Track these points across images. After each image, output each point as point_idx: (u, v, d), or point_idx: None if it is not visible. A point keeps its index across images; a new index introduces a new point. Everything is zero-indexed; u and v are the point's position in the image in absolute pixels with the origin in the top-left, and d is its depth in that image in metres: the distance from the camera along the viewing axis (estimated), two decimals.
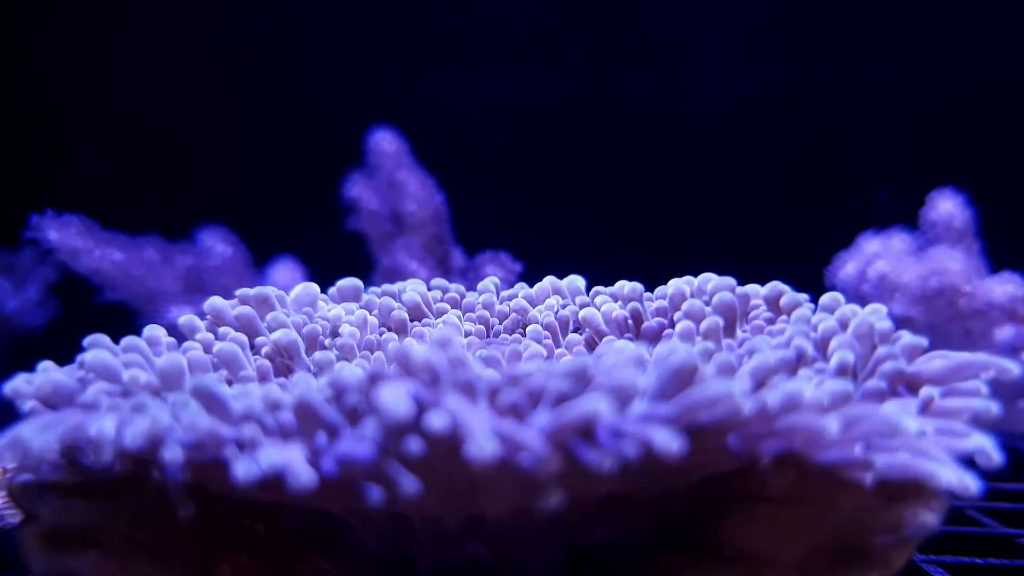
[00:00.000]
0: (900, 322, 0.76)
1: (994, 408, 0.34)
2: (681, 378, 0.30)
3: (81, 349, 0.39)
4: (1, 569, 0.45)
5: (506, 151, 1.33)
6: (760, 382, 0.35)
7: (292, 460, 0.29)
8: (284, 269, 0.99)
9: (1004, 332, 0.75)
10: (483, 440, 0.28)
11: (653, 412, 0.30)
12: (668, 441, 0.28)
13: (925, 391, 0.36)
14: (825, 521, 0.35)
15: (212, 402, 0.32)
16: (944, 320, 0.77)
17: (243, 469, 0.29)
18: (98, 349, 0.39)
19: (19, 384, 0.36)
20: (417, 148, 0.98)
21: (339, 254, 0.87)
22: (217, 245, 0.96)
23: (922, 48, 1.26)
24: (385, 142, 0.97)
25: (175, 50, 1.36)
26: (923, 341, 0.39)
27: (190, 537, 0.37)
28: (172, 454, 0.30)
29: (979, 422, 0.34)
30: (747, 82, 1.31)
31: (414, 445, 0.28)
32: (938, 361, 0.37)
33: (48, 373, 0.37)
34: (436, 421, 0.28)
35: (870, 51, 1.28)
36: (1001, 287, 0.76)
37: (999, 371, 0.36)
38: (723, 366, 0.36)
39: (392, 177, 0.96)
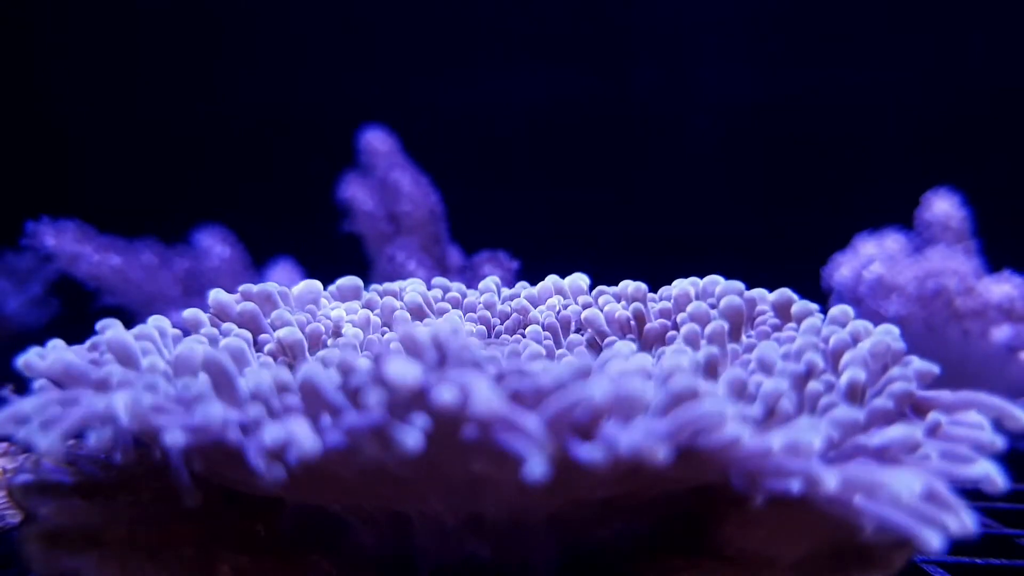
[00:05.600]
0: (897, 324, 0.76)
1: (999, 442, 0.34)
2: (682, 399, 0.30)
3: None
4: (1, 569, 0.44)
5: (505, 150, 1.33)
6: (771, 407, 0.35)
7: (296, 430, 0.29)
8: (282, 271, 0.99)
9: (1001, 332, 0.75)
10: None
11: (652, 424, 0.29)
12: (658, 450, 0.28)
13: (933, 416, 0.36)
14: (825, 521, 0.35)
15: (222, 380, 0.31)
16: (941, 321, 0.77)
17: (251, 448, 0.29)
18: (115, 329, 0.39)
19: (31, 359, 0.36)
20: (416, 147, 0.98)
21: (337, 255, 0.87)
22: (215, 246, 0.95)
23: (920, 49, 1.27)
24: (377, 141, 0.96)
25: (173, 52, 1.36)
26: (935, 368, 0.39)
27: (190, 537, 0.37)
28: (174, 438, 0.29)
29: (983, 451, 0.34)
30: (748, 82, 1.31)
31: (419, 420, 0.28)
32: (947, 393, 0.37)
33: (59, 352, 0.37)
34: (445, 393, 0.27)
35: (870, 52, 1.29)
36: (998, 287, 0.76)
37: (1006, 417, 0.36)
38: (734, 383, 0.35)
39: (386, 177, 0.95)
